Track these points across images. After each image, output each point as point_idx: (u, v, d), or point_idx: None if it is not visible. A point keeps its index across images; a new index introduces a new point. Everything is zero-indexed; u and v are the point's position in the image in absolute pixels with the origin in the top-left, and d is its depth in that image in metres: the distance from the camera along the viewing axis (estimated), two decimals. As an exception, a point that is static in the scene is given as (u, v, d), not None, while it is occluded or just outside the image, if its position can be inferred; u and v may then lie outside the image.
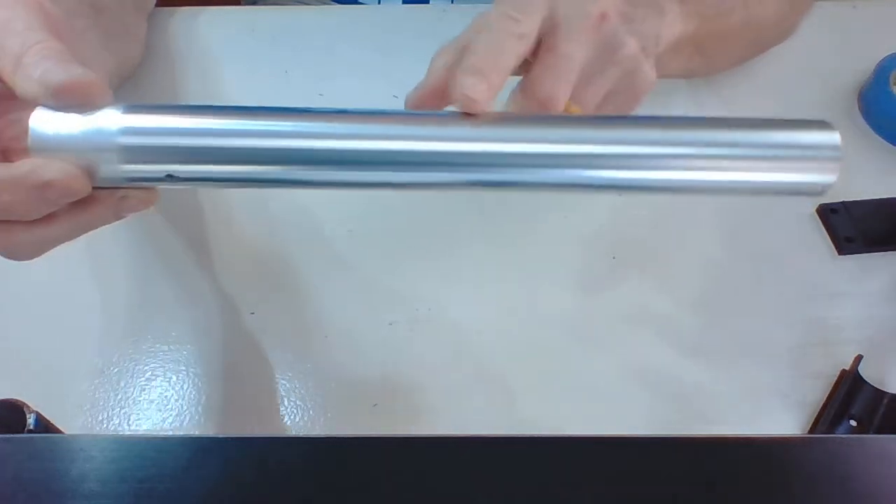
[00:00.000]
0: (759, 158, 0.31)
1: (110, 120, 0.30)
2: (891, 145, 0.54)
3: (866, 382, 0.42)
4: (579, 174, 0.31)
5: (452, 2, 0.64)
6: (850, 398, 0.42)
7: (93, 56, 0.43)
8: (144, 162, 0.30)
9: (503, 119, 0.31)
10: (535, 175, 0.31)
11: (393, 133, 0.30)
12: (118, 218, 0.33)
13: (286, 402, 0.43)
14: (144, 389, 0.43)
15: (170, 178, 0.31)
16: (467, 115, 0.31)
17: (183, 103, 0.31)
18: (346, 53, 0.58)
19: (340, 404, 0.43)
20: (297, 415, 0.42)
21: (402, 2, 0.64)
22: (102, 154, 0.30)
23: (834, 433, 0.41)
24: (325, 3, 0.66)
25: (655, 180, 0.31)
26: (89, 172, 0.30)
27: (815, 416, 0.42)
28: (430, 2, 0.64)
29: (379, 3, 0.64)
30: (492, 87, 0.32)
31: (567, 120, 0.32)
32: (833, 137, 0.31)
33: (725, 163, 0.31)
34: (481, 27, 0.35)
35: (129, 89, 0.56)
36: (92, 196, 0.31)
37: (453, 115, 0.31)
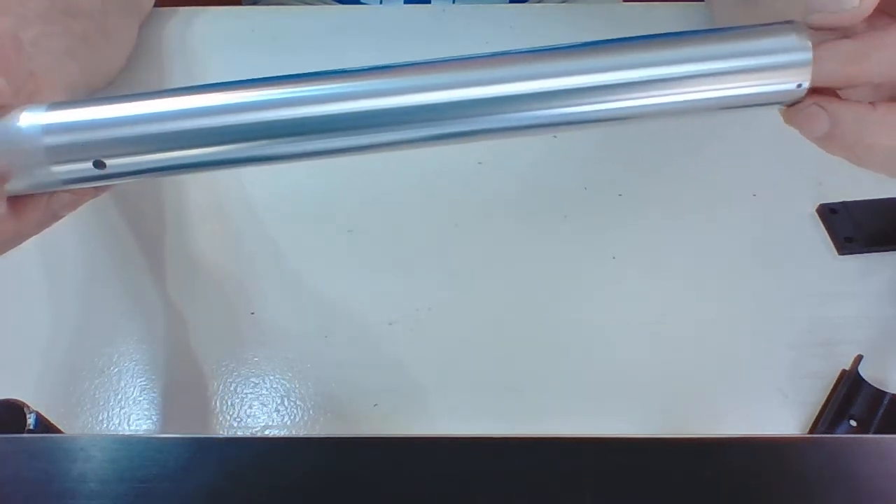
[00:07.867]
0: (725, 73, 0.29)
1: (33, 119, 0.28)
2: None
3: (866, 382, 0.42)
4: (534, 114, 0.29)
5: (454, 1, 0.64)
6: (850, 398, 0.42)
7: (47, 64, 0.42)
8: (72, 161, 0.29)
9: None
10: (465, 124, 0.29)
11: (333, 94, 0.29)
12: (57, 219, 0.32)
13: (286, 402, 0.43)
14: (144, 389, 0.43)
15: (106, 175, 0.29)
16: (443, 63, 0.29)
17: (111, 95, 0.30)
18: (346, 53, 0.58)
19: (340, 404, 0.43)
20: (297, 415, 0.42)
21: (403, 2, 0.64)
22: (29, 158, 0.28)
23: (834, 433, 0.41)
24: (325, 3, 0.66)
25: (612, 109, 0.29)
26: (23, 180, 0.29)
27: (815, 416, 0.42)
28: (432, 2, 0.64)
29: (381, 2, 0.64)
30: None
31: (515, 57, 0.29)
32: (802, 39, 0.28)
33: (688, 83, 0.28)
34: None
35: (127, 90, 0.56)
36: (22, 202, 0.30)
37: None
